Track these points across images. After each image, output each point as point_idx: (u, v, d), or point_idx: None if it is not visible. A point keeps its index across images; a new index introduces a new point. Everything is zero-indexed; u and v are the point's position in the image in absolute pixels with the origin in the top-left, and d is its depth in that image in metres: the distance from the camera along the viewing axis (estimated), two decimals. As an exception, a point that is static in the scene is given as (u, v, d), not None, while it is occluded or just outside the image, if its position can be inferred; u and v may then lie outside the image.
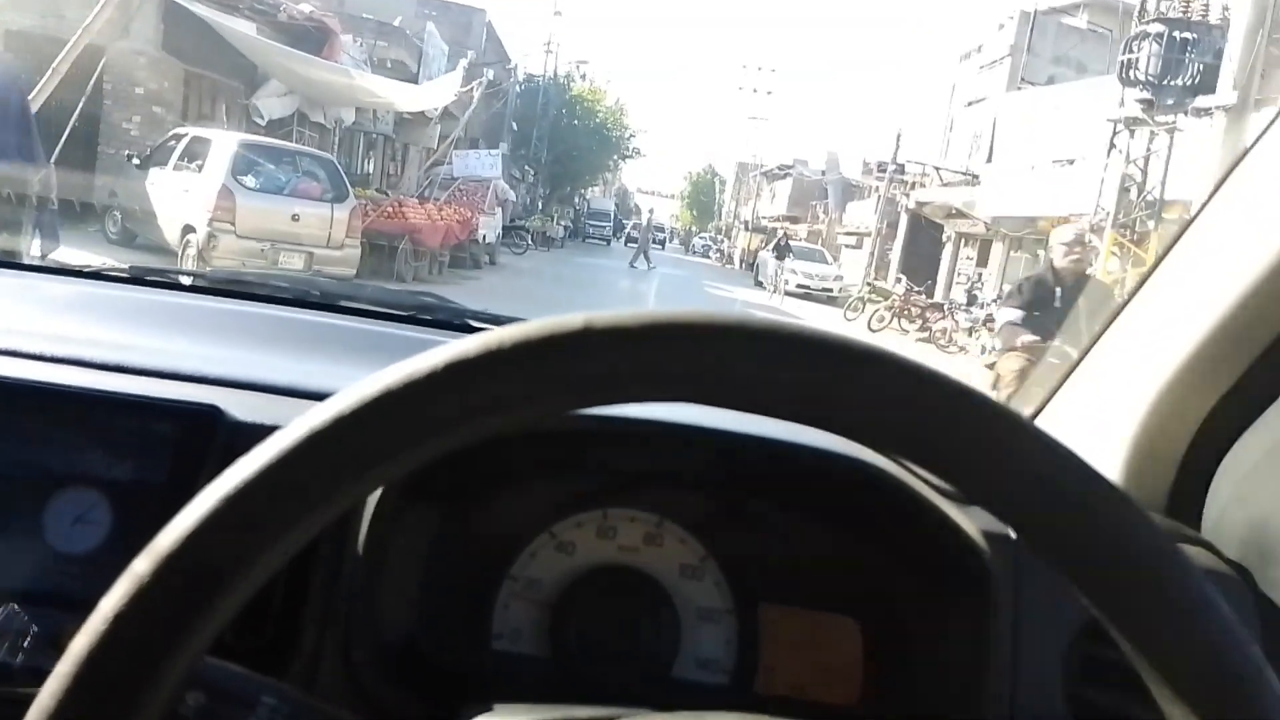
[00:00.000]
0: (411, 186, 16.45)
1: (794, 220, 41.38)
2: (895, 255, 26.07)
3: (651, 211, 30.71)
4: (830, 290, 23.03)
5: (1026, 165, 16.10)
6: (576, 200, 41.21)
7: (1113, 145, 11.99)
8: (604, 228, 39.25)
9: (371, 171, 20.02)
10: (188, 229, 8.47)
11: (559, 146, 32.10)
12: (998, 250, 20.35)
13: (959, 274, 22.58)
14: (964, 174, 22.02)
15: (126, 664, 0.32)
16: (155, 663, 0.33)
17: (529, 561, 0.79)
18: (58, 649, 0.32)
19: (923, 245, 25.28)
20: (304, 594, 0.67)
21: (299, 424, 0.34)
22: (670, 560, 0.79)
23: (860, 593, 0.78)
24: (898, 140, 24.59)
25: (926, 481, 0.72)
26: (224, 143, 8.84)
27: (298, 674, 0.65)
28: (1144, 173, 11.59)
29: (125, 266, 1.26)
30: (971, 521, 0.71)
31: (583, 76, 34.75)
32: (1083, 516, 0.34)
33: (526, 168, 31.90)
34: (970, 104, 27.76)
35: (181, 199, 8.65)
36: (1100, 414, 0.87)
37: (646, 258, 25.32)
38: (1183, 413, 0.80)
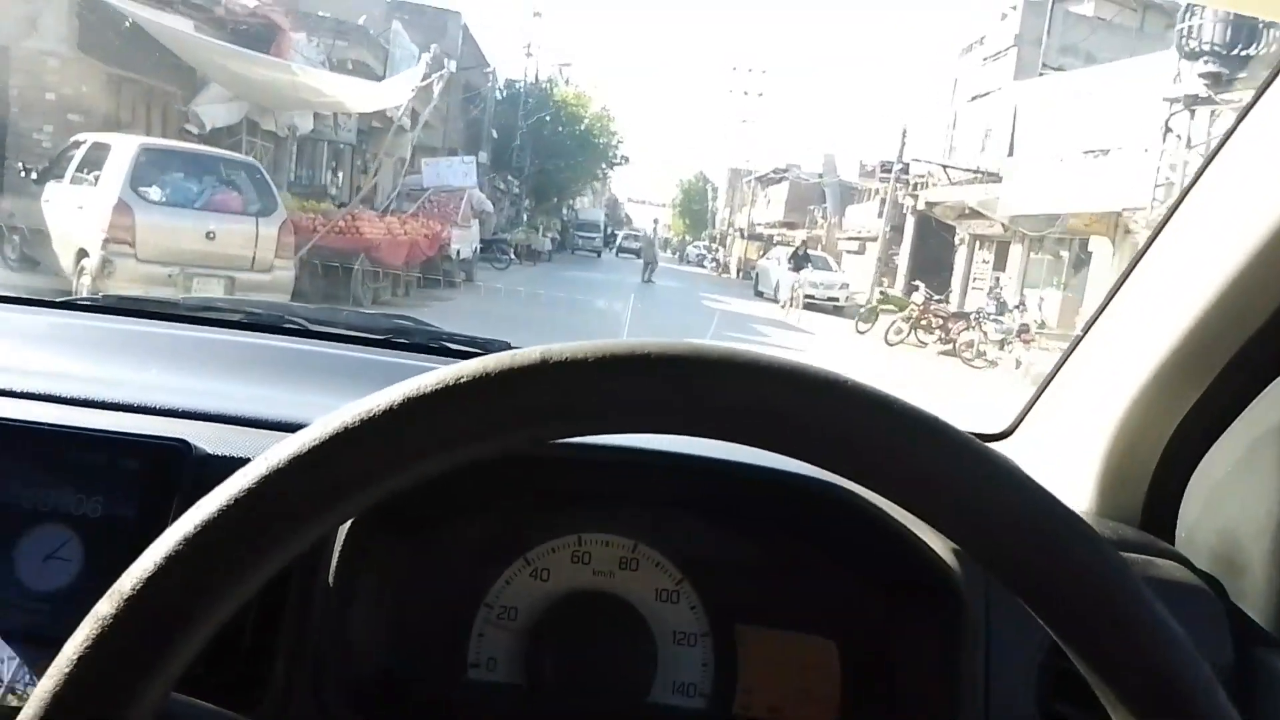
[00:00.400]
0: (379, 199, 14.91)
1: (791, 226, 40.08)
2: (902, 260, 24.71)
3: (656, 222, 29.19)
4: (837, 300, 21.57)
5: (1053, 158, 14.64)
6: (565, 211, 39.70)
7: (1168, 129, 10.52)
8: (593, 239, 37.68)
9: (342, 185, 18.54)
10: (81, 253, 6.96)
11: (543, 155, 30.61)
12: (1016, 252, 18.93)
13: (974, 278, 21.15)
14: (976, 171, 20.61)
15: (93, 704, 0.33)
16: (121, 702, 0.33)
17: (504, 588, 0.78)
18: (30, 686, 0.36)
19: (932, 249, 23.93)
20: (275, 627, 0.66)
21: (259, 461, 0.35)
22: (646, 584, 0.79)
23: (836, 614, 0.78)
24: (903, 137, 23.14)
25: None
26: (123, 148, 7.28)
27: (269, 708, 0.65)
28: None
29: (98, 296, 1.36)
30: (941, 542, 0.72)
31: (566, 81, 33.31)
32: (1030, 537, 0.35)
33: (509, 178, 30.42)
34: (975, 98, 26.46)
35: (75, 217, 7.13)
36: (1073, 430, 0.90)
37: (648, 271, 23.85)
38: (1153, 427, 0.81)
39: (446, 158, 16.50)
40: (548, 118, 31.09)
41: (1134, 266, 0.84)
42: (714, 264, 41.25)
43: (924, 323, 14.57)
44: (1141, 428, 0.81)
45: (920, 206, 21.56)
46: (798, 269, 20.67)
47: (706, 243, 50.77)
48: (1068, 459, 0.88)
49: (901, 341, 14.37)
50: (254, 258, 7.29)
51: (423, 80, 11.52)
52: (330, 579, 0.68)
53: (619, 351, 0.36)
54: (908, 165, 23.42)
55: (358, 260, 9.92)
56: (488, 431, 0.35)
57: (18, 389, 0.79)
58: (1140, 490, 0.83)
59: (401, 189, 15.77)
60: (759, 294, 23.70)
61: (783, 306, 18.69)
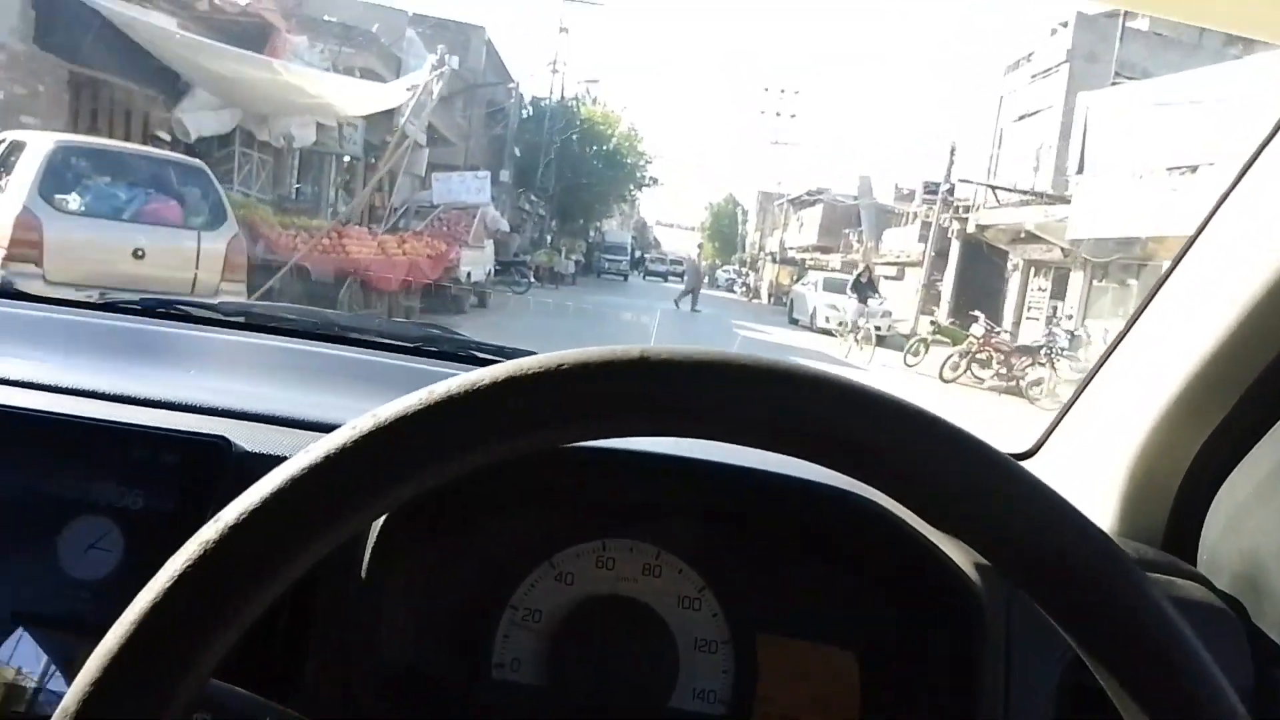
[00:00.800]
0: (385, 217, 13.67)
1: (825, 250, 38.66)
2: (947, 286, 23.18)
3: (701, 248, 27.76)
4: (880, 329, 20.07)
5: (1130, 175, 13.09)
6: (591, 233, 38.49)
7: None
8: (620, 262, 36.41)
9: (351, 202, 17.43)
10: (-17, 273, 5.68)
11: (568, 175, 29.44)
12: (1077, 280, 17.34)
13: (1029, 307, 19.56)
14: (1029, 193, 19.09)
15: (135, 687, 0.35)
16: (162, 686, 0.35)
17: (529, 591, 0.79)
18: (72, 672, 0.36)
19: (981, 275, 22.38)
20: (306, 621, 0.68)
21: (302, 454, 0.36)
22: (669, 591, 0.79)
23: (856, 624, 0.79)
24: (951, 155, 21.67)
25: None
26: (36, 147, 6.02)
27: (299, 700, 0.65)
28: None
29: (136, 298, 1.30)
30: (963, 554, 0.72)
31: (594, 100, 32.15)
32: (1058, 554, 0.36)
33: (533, 198, 29.27)
34: (1023, 117, 25.02)
35: (-18, 230, 5.86)
36: (1096, 450, 0.90)
37: (694, 299, 22.25)
38: (1176, 448, 0.82)
39: (458, 173, 15.29)
40: (574, 136, 29.94)
41: (1159, 288, 0.85)
42: (744, 289, 39.84)
43: (981, 357, 13.07)
44: (1165, 449, 0.82)
45: (970, 229, 19.99)
46: (863, 299, 16.74)
47: (736, 267, 49.38)
48: (1091, 479, 0.88)
49: (958, 378, 12.87)
50: (195, 280, 5.98)
51: (426, 79, 10.21)
52: (362, 575, 0.69)
53: (717, 360, 0.37)
54: (953, 187, 21.91)
55: (346, 283, 8.64)
56: (560, 421, 0.37)
57: (64, 385, 0.80)
58: (1163, 511, 0.84)
59: (410, 206, 14.56)
60: (794, 321, 22.23)
61: (846, 345, 15.64)
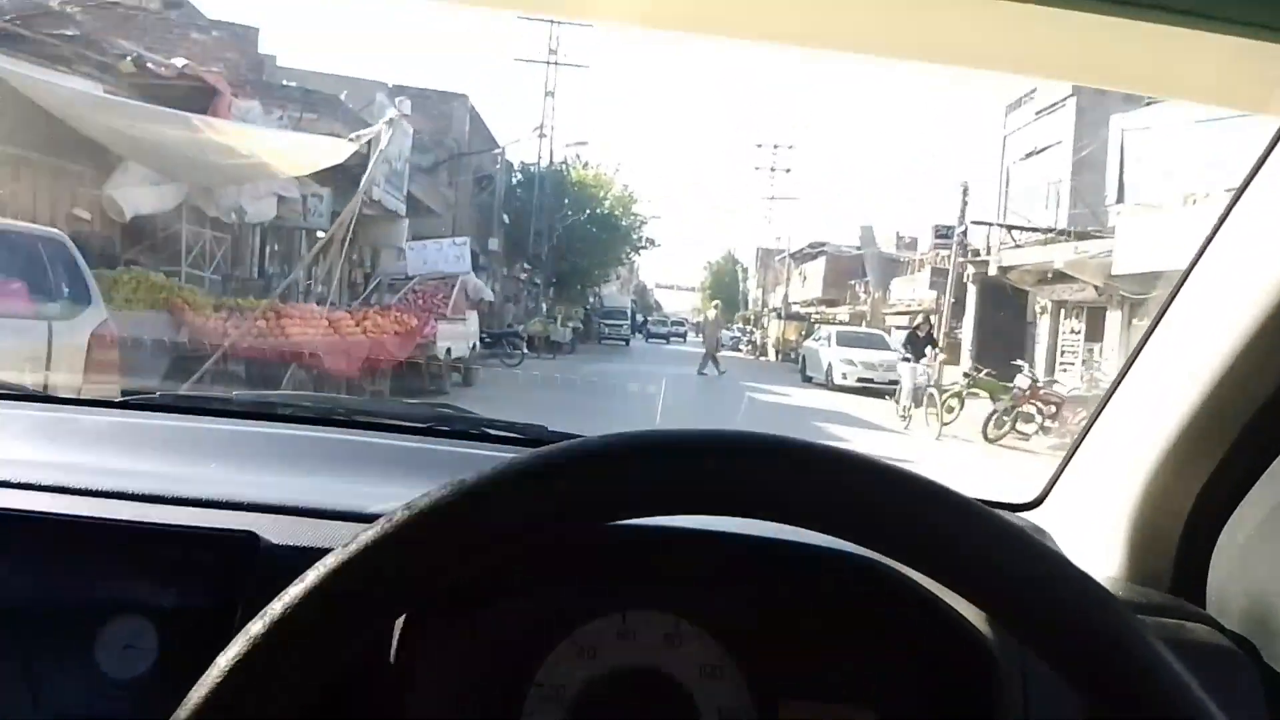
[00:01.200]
0: (347, 292, 12.39)
1: (831, 303, 37.58)
2: (966, 333, 21.86)
3: (718, 308, 26.48)
4: (899, 381, 18.65)
5: (1176, 201, 11.77)
6: (590, 299, 37.34)
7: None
8: (620, 326, 35.13)
9: (325, 280, 16.23)
10: None
11: (562, 240, 28.33)
12: (1114, 320, 15.97)
13: (1062, 351, 18.15)
14: (1056, 231, 17.84)
15: None
16: None
17: (553, 668, 0.79)
18: None
19: (1001, 320, 21.11)
20: (336, 710, 0.66)
21: (338, 552, 0.38)
22: (691, 661, 0.79)
23: (877, 685, 0.79)
24: (964, 196, 20.47)
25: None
26: None
27: None
28: None
29: (155, 395, 1.31)
30: (976, 612, 0.72)
31: (584, 165, 31.23)
32: (1057, 609, 0.38)
33: (526, 265, 28.14)
34: (1029, 155, 24.03)
35: None
36: (1100, 496, 0.91)
37: (715, 363, 20.78)
38: (1177, 490, 0.82)
39: (435, 240, 14.04)
40: (566, 201, 28.92)
41: (1153, 330, 0.86)
42: (750, 346, 38.54)
43: (1026, 410, 11.62)
44: (1166, 491, 0.82)
45: (992, 272, 18.68)
46: (918, 356, 13.96)
47: (740, 325, 48.22)
48: (1097, 525, 0.89)
49: (1003, 436, 11.41)
50: (45, 381, 4.54)
51: (376, 128, 8.93)
52: (391, 659, 0.69)
53: (655, 442, 0.40)
54: (967, 229, 20.69)
55: (288, 371, 7.28)
56: (555, 515, 0.39)
57: (92, 487, 0.81)
58: (1168, 553, 0.83)
59: (382, 279, 13.30)
60: (808, 379, 20.79)
61: (903, 416, 13.35)
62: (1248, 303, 0.72)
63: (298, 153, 8.65)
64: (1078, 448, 0.95)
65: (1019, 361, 12.46)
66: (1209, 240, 0.79)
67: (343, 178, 10.93)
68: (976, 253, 21.11)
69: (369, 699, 0.69)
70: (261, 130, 9.25)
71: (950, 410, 12.68)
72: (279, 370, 7.13)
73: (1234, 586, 0.80)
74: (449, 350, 11.48)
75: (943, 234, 22.70)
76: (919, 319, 15.16)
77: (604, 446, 0.39)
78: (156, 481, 0.84)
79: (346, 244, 17.66)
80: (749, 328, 42.88)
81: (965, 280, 21.76)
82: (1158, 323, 0.85)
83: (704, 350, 22.18)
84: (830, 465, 0.40)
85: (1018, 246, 18.98)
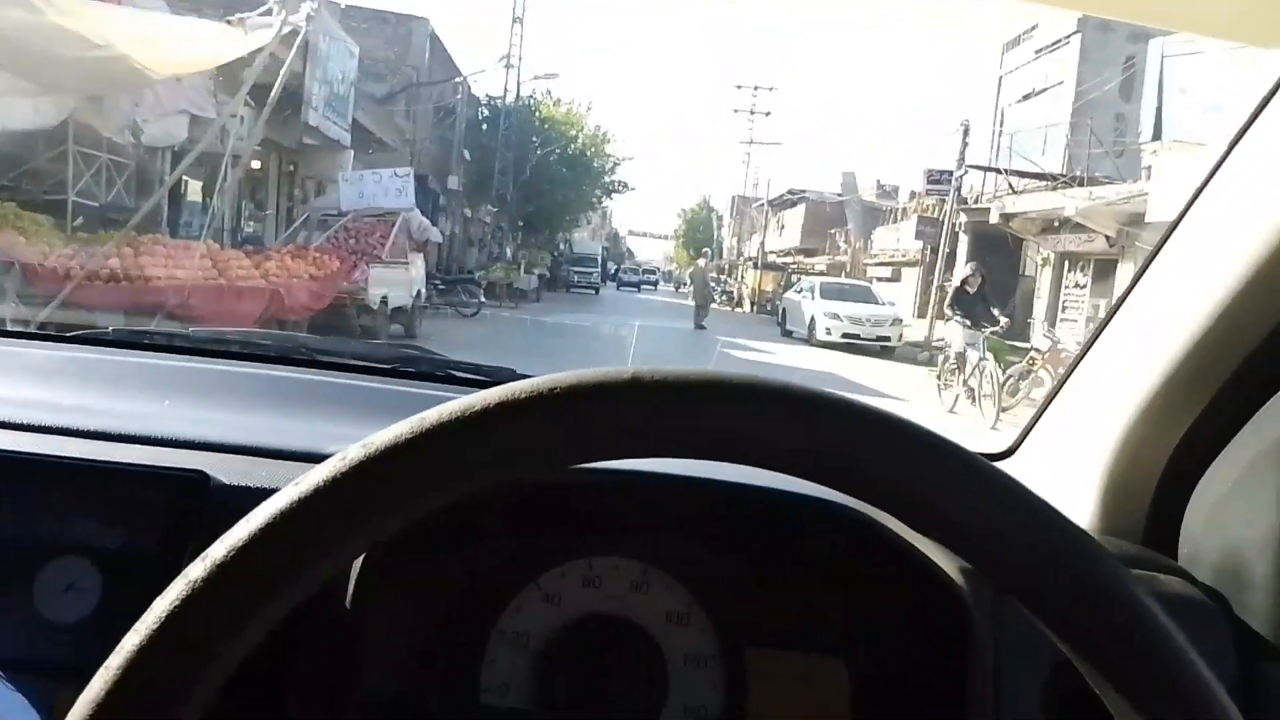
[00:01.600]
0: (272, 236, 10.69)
1: (809, 253, 36.16)
2: (954, 287, 20.56)
3: (707, 255, 25.02)
4: (888, 339, 17.25)
5: (1223, 138, 10.30)
6: (561, 244, 35.56)
7: None
8: (590, 274, 33.50)
9: (150, 203, 14.50)
10: None
11: (529, 181, 26.45)
12: (1125, 273, 14.63)
13: (1064, 306, 16.83)
14: (1060, 177, 16.41)
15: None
16: None
17: (516, 614, 0.78)
18: (52, 718, 0.34)
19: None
20: (288, 655, 0.66)
21: (287, 490, 0.36)
22: (657, 607, 0.79)
23: (845, 634, 0.79)
24: (964, 137, 18.94)
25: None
26: None
27: None
28: None
29: (108, 329, 1.27)
30: (949, 561, 0.72)
31: (556, 102, 29.23)
32: (1040, 555, 0.37)
33: (488, 207, 26.30)
34: (1026, 97, 22.60)
35: None
36: (1074, 448, 0.90)
37: (702, 314, 19.28)
38: (1154, 443, 0.82)
39: (372, 171, 12.23)
40: (534, 138, 27.00)
41: (1135, 282, 0.85)
42: (725, 296, 37.04)
43: (1041, 374, 10.33)
44: (1142, 444, 0.82)
45: (992, 220, 17.23)
46: (978, 321, 10.52)
47: (715, 274, 46.74)
48: (1069, 477, 0.89)
49: (1018, 403, 10.11)
50: None
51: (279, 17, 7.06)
52: (347, 603, 0.68)
53: (694, 379, 0.38)
54: (965, 174, 19.19)
55: (155, 321, 5.69)
56: (513, 455, 0.37)
57: (38, 423, 0.79)
58: (1142, 507, 0.83)
59: (310, 215, 11.61)
60: (787, 333, 19.40)
61: (952, 392, 10.67)
62: (1236, 254, 0.71)
63: (176, 45, 6.78)
64: (1053, 397, 0.95)
65: (1033, 319, 11.03)
66: (1202, 187, 0.78)
67: (282, 101, 9.13)
68: (965, 201, 19.72)
69: (321, 647, 0.66)
70: (131, 12, 7.34)
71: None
72: (141, 320, 5.56)
73: (1207, 540, 0.79)
74: (384, 299, 9.89)
75: (935, 179, 21.14)
76: (968, 273, 11.92)
77: (575, 382, 0.37)
78: (104, 419, 0.81)
79: (280, 176, 15.88)
80: (724, 277, 41.35)
81: (957, 230, 20.40)
82: (1144, 271, 0.84)
83: (682, 301, 20.58)
84: (806, 406, 0.38)
85: (1016, 193, 17.57)
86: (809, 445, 0.38)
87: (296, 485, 0.36)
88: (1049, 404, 0.95)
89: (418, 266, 11.90)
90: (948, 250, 18.95)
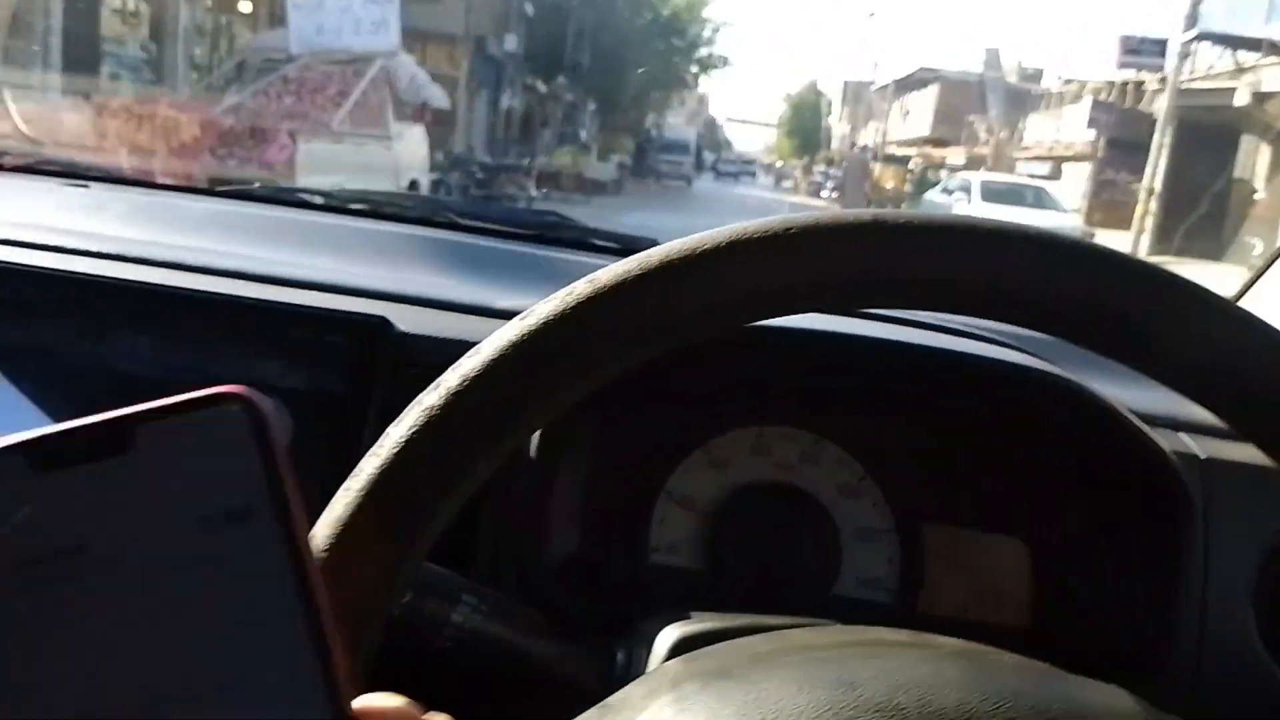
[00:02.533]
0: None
1: (940, 143, 30.99)
2: (1145, 189, 15.80)
3: (854, 146, 20.83)
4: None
5: None
6: (652, 130, 31.11)
7: None
8: (681, 164, 29.12)
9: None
10: None
11: (609, 48, 22.03)
12: None
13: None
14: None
15: (367, 560, 0.34)
16: (378, 580, 0.34)
17: (684, 476, 0.78)
18: None
19: (1200, 175, 15.06)
20: (477, 510, 0.68)
21: (514, 323, 0.36)
22: (828, 479, 0.77)
23: (1030, 513, 0.76)
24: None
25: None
26: None
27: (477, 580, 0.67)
28: None
29: (255, 185, 1.30)
30: (1161, 439, 0.68)
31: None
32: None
33: (560, 79, 22.04)
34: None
35: None
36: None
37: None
38: None
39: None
40: (618, -2, 22.45)
41: None
42: (838, 192, 32.26)
43: None
44: None
45: (1240, 102, 12.36)
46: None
47: (825, 167, 41.52)
48: None
49: None
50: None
51: None
52: (533, 455, 0.69)
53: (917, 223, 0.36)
54: (1195, 38, 14.12)
55: None
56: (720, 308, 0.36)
57: (216, 266, 0.80)
58: None
59: (247, 59, 7.84)
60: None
61: None
62: None
63: None
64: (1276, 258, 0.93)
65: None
66: None
67: None
68: (1144, 84, 14.72)
69: (507, 506, 0.68)
70: None
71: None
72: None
73: None
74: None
75: (1134, 49, 16.03)
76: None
77: (813, 222, 0.35)
78: (278, 266, 0.80)
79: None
80: (835, 171, 36.31)
81: (1154, 118, 15.49)
82: None
83: (786, 198, 16.30)
84: (1040, 247, 0.35)
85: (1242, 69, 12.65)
86: (1051, 289, 0.35)
87: (523, 319, 0.35)
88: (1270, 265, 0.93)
89: (413, 144, 8.10)
90: (1165, 142, 14.07)
